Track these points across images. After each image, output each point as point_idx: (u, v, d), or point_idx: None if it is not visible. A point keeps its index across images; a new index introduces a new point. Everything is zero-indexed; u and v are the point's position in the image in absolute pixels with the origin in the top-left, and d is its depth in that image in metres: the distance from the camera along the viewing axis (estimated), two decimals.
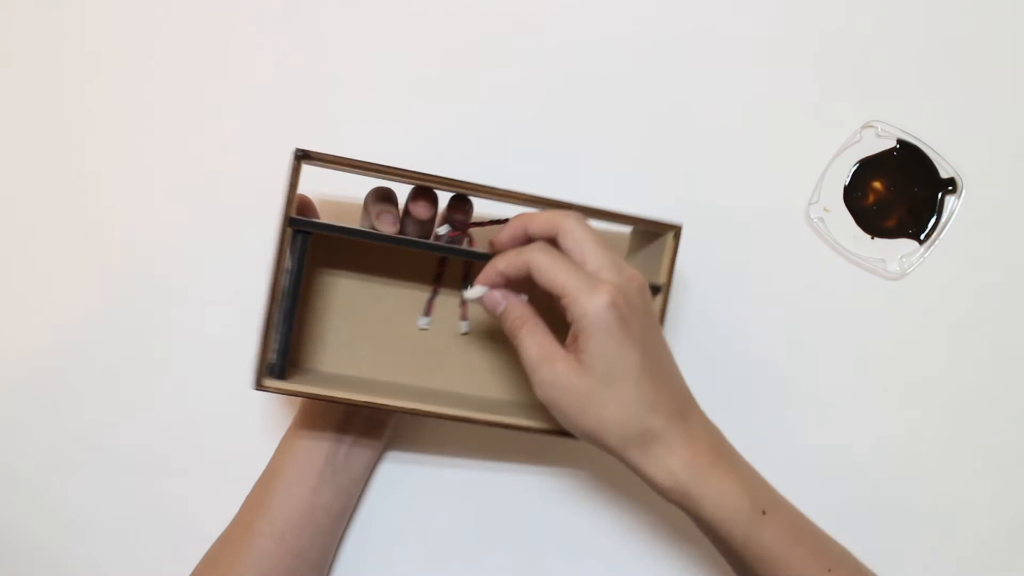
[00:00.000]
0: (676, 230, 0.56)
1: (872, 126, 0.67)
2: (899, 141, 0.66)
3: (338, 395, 0.53)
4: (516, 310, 0.48)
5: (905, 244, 0.66)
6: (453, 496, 0.66)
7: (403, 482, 0.66)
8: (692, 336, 0.66)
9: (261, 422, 0.66)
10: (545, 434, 0.55)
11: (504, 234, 0.51)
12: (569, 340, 0.46)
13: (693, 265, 0.66)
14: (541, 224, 0.49)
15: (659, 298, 0.56)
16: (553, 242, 0.49)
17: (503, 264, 0.49)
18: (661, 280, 0.56)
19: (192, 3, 0.68)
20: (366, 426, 0.60)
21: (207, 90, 0.68)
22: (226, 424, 0.66)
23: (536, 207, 0.54)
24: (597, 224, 0.54)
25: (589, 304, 0.44)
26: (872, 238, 0.66)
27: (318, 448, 0.58)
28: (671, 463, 0.45)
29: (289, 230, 0.51)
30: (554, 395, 0.45)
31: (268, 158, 0.58)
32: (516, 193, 0.54)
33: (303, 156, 0.51)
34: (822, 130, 0.67)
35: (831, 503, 0.66)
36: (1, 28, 0.68)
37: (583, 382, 0.44)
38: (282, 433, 0.62)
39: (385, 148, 0.61)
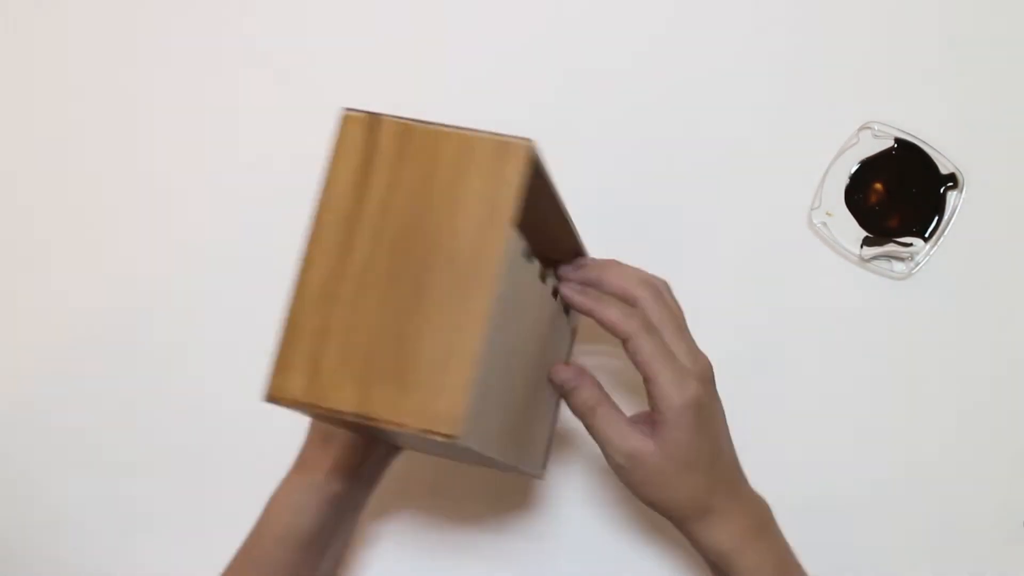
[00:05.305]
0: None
1: (869, 127, 0.66)
2: (897, 140, 0.66)
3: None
4: (587, 391, 0.49)
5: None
6: None
7: None
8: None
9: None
10: None
11: (576, 290, 0.50)
12: (645, 418, 0.49)
13: (697, 277, 0.65)
14: (618, 288, 0.49)
15: None
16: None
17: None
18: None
19: None
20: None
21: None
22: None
23: None
24: None
25: (677, 399, 0.46)
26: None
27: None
28: (721, 535, 0.50)
29: None
30: (631, 474, 0.48)
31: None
32: None
33: None
34: (819, 134, 0.66)
35: (835, 504, 0.65)
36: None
37: (661, 467, 0.48)
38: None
39: None
